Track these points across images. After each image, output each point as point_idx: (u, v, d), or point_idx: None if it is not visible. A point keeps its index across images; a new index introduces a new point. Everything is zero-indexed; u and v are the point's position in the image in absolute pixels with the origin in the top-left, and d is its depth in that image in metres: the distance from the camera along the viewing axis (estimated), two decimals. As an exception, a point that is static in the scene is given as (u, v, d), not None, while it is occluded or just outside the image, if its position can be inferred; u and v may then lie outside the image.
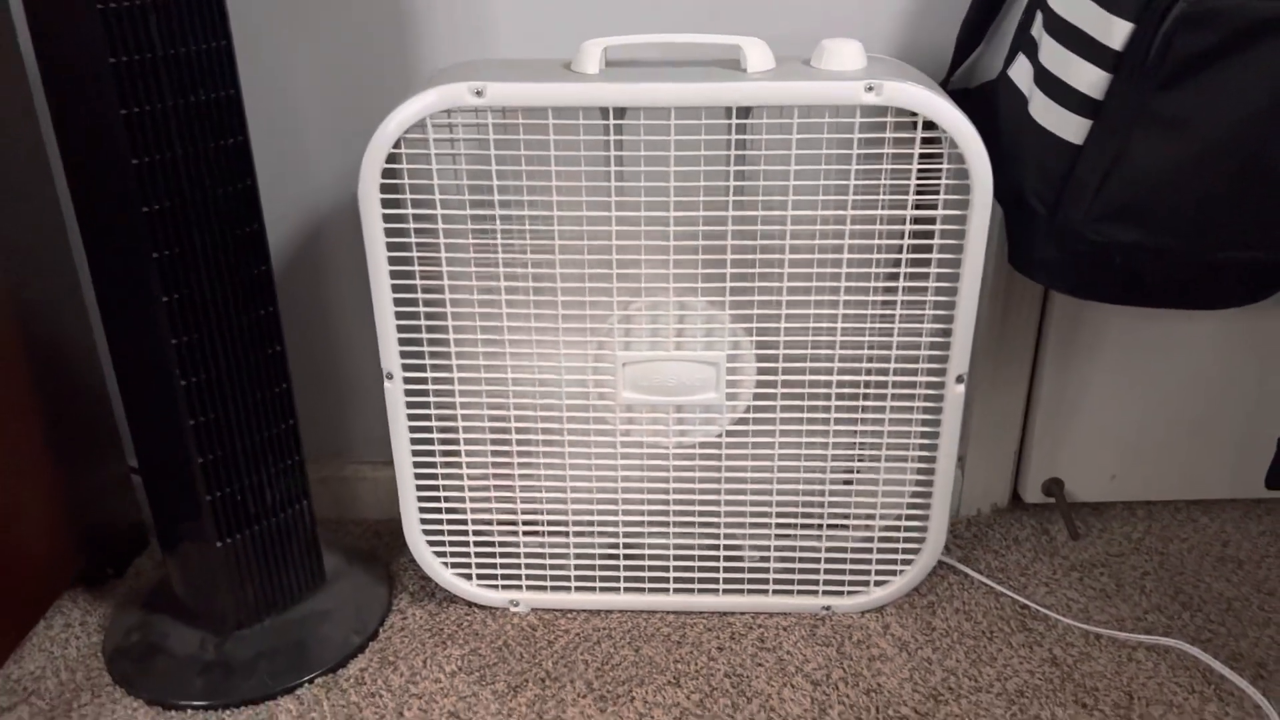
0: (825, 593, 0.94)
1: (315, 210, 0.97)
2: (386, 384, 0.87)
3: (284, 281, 1.00)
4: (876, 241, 0.80)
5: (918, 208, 0.79)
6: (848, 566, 0.93)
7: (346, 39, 0.90)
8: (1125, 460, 1.05)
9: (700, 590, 0.94)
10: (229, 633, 0.91)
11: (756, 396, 0.87)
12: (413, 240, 0.81)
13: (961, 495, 1.08)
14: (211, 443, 0.83)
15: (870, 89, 0.75)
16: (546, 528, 0.93)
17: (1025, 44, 0.82)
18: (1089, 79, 0.73)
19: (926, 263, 0.81)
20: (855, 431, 0.87)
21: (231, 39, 0.75)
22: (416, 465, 0.90)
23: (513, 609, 0.96)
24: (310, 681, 0.88)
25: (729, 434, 0.88)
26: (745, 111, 0.78)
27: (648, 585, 0.94)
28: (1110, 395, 1.01)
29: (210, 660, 0.89)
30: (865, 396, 0.86)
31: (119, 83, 0.70)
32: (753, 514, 0.91)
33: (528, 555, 0.94)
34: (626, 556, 0.94)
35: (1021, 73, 0.81)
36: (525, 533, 0.93)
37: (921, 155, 0.77)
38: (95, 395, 0.97)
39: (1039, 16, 0.79)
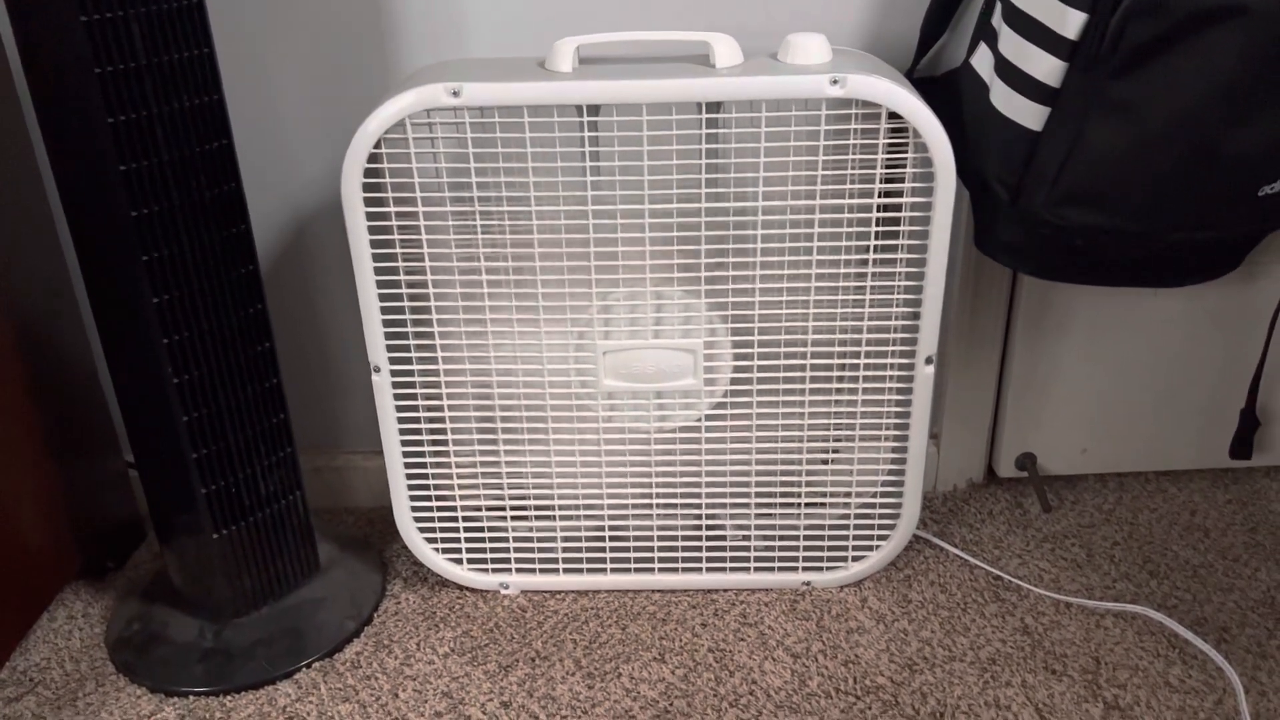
0: (805, 569, 0.97)
1: (301, 208, 1.00)
2: (374, 377, 0.89)
3: (273, 278, 1.03)
4: (845, 230, 0.83)
5: (884, 195, 0.82)
6: (826, 543, 0.96)
7: (327, 39, 0.92)
8: (1096, 434, 1.08)
9: (684, 569, 0.97)
10: (227, 621, 0.94)
11: (734, 381, 0.89)
12: (396, 237, 0.84)
13: (938, 471, 1.11)
14: (205, 438, 0.85)
15: (835, 82, 0.77)
16: (534, 512, 0.96)
17: (986, 33, 0.84)
18: (1046, 68, 0.75)
19: (894, 248, 0.83)
20: (830, 413, 0.90)
21: (214, 46, 0.77)
22: (406, 454, 0.93)
23: (503, 591, 0.99)
24: (307, 666, 0.91)
25: (708, 417, 0.91)
26: (715, 106, 0.80)
27: (633, 565, 0.97)
28: (1080, 371, 1.04)
29: (210, 647, 0.92)
30: (838, 379, 0.89)
31: (104, 91, 0.72)
32: (733, 494, 0.94)
33: (516, 539, 0.97)
34: (612, 538, 0.96)
35: (983, 61, 0.84)
36: (513, 517, 0.96)
37: (886, 145, 0.80)
38: (91, 393, 1.00)
39: (999, 7, 0.81)
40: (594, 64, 0.81)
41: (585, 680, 0.88)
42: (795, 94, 0.77)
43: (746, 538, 0.96)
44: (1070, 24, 0.73)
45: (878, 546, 0.96)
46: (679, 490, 0.94)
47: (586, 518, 0.96)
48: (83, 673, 0.92)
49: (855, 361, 0.88)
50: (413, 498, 0.95)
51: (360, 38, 0.92)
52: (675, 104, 0.78)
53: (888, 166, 0.81)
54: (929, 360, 0.87)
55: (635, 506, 0.95)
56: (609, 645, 0.92)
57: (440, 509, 0.96)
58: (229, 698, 0.89)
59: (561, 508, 0.96)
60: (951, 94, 0.88)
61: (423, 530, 0.97)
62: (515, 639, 0.93)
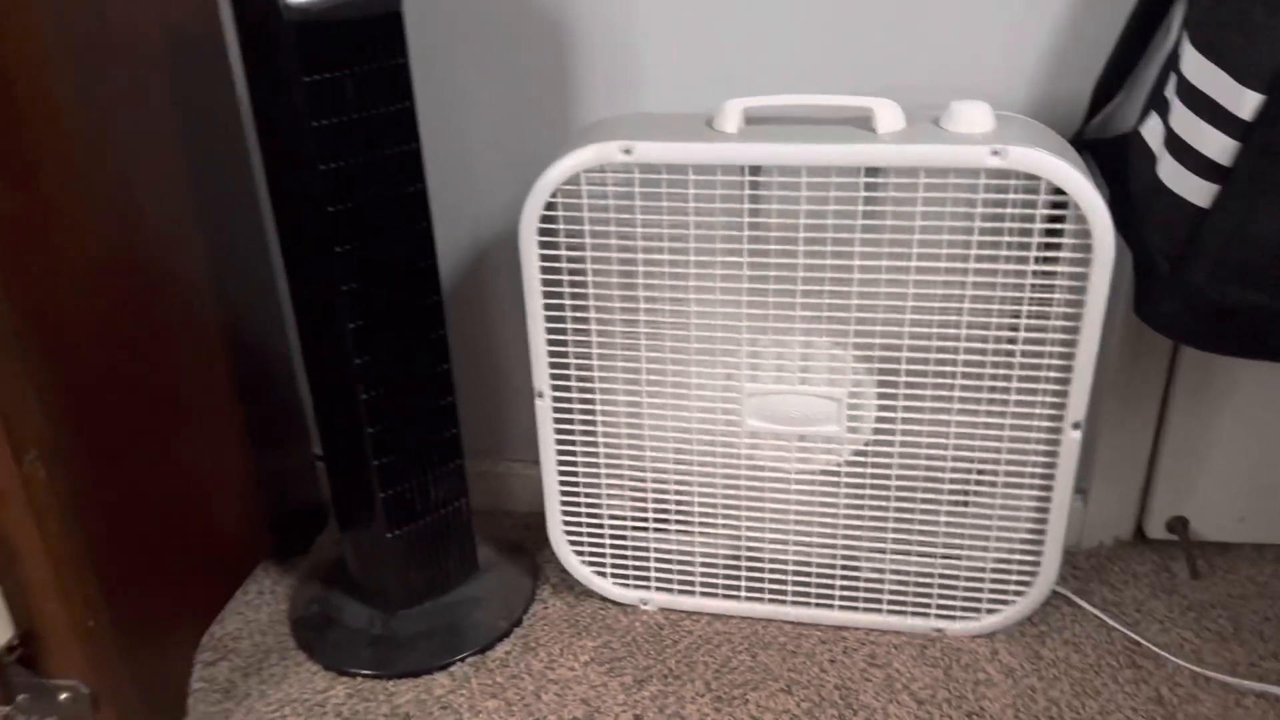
0: (938, 615, 0.99)
1: (481, 238, 1.08)
2: (537, 401, 0.96)
3: (454, 298, 1.11)
4: (998, 294, 0.84)
5: (1039, 263, 0.83)
6: (961, 591, 0.97)
7: (514, 86, 0.99)
8: (1256, 502, 1.05)
9: (817, 604, 1.01)
10: (394, 612, 1.03)
11: (876, 431, 0.92)
12: (565, 277, 0.90)
13: (1083, 527, 1.10)
14: (387, 447, 0.94)
15: (995, 153, 0.79)
16: (676, 535, 1.01)
17: (1158, 104, 0.83)
18: (1217, 146, 0.75)
19: (1047, 314, 0.84)
20: (972, 466, 0.92)
21: (414, 101, 0.85)
22: (561, 473, 1.00)
23: (643, 607, 1.05)
24: (462, 660, 1.00)
25: (849, 462, 0.94)
26: (874, 169, 0.83)
27: (767, 595, 1.01)
28: (1241, 437, 1.02)
29: (377, 635, 1.02)
30: (983, 437, 0.90)
31: (318, 142, 0.81)
32: (870, 536, 0.97)
33: (658, 559, 1.02)
34: (748, 566, 1.01)
35: (1153, 132, 0.83)
36: (656, 538, 1.02)
37: (1045, 216, 0.81)
38: (288, 393, 1.11)
39: (1173, 79, 0.81)
40: (759, 124, 0.85)
41: (714, 703, 0.93)
42: (954, 163, 0.79)
43: (881, 579, 0.99)
44: (1246, 105, 0.73)
45: (1013, 600, 0.97)
46: (816, 527, 0.97)
47: (724, 545, 1.00)
48: (268, 645, 1.03)
49: (1001, 421, 0.89)
50: (565, 513, 1.02)
51: (545, 89, 0.99)
52: (835, 168, 0.82)
53: (1045, 235, 0.82)
54: (1076, 425, 0.87)
55: (772, 540, 0.99)
56: (739, 671, 0.97)
57: (589, 525, 1.02)
58: (391, 682, 0.98)
59: (701, 533, 1.00)
60: (1120, 159, 0.88)
61: (572, 543, 1.04)
62: (651, 654, 0.99)
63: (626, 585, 1.05)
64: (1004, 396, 0.88)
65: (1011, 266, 0.83)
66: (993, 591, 0.97)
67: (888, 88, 0.92)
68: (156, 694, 0.92)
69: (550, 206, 0.87)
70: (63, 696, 0.84)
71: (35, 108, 0.74)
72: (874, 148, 0.80)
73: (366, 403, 0.92)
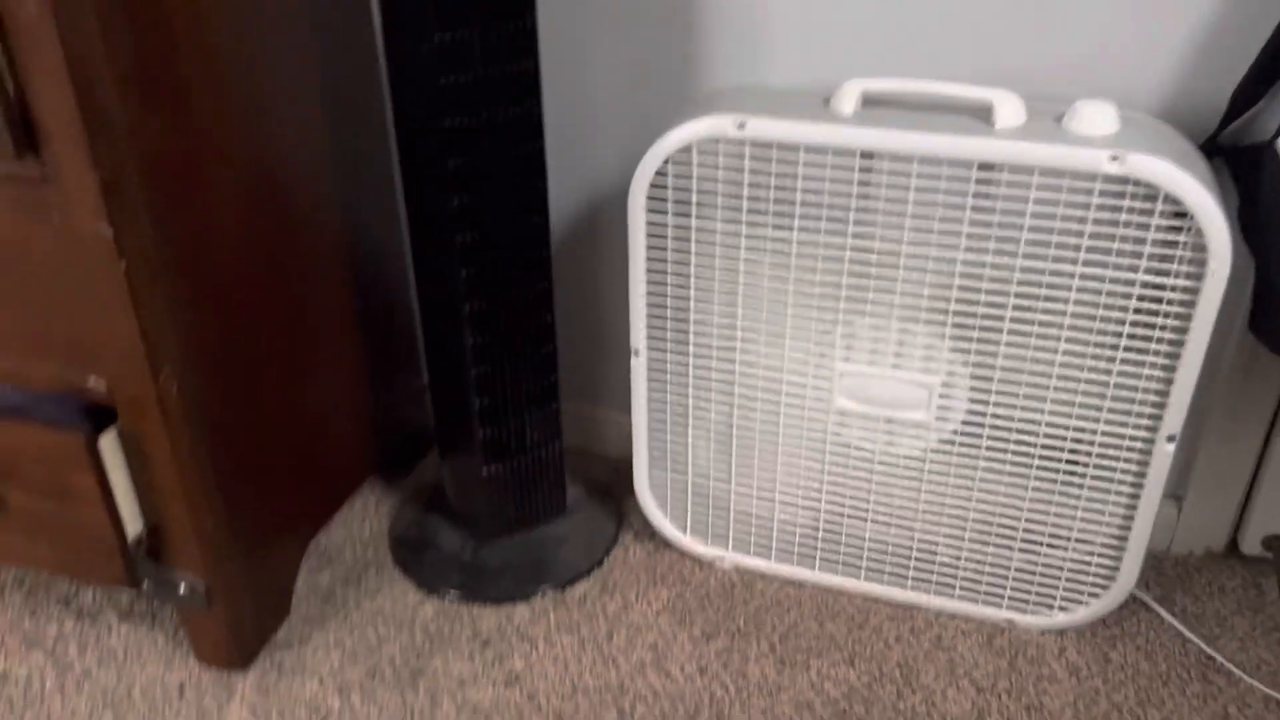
0: (1009, 606, 1.00)
1: (595, 193, 1.10)
2: (633, 359, 0.99)
3: (563, 248, 1.15)
4: (1103, 299, 0.83)
5: (1149, 273, 0.81)
6: (1035, 585, 0.98)
7: (638, 46, 1.01)
8: (1362, 530, 1.01)
9: (889, 580, 1.02)
10: (485, 541, 1.09)
11: (965, 422, 0.92)
12: (669, 243, 0.92)
13: (1175, 533, 1.08)
14: (488, 389, 0.99)
15: (1114, 159, 0.77)
16: (757, 498, 1.04)
17: (1299, 117, 0.80)
18: (1354, 170, 0.72)
19: (1151, 325, 0.83)
20: (1060, 469, 0.91)
21: (539, 62, 0.87)
22: (651, 429, 1.03)
23: (718, 564, 1.08)
24: (542, 594, 1.05)
25: (935, 449, 0.95)
26: (988, 164, 0.82)
27: (841, 566, 1.04)
28: (1354, 464, 0.98)
29: (467, 561, 1.08)
30: (1073, 440, 0.90)
31: (444, 97, 0.85)
32: (949, 519, 0.98)
33: (737, 519, 1.06)
34: (825, 536, 1.03)
35: (1289, 146, 0.80)
36: (737, 499, 1.05)
37: (1160, 226, 0.79)
38: (403, 320, 1.17)
39: (1316, 94, 0.77)
40: (876, 108, 0.85)
41: (776, 664, 0.97)
42: (1070, 166, 0.78)
43: (957, 563, 1.00)
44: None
45: (1088, 600, 0.97)
46: (896, 507, 0.99)
47: (804, 513, 1.03)
48: (368, 559, 1.11)
49: (1093, 425, 0.88)
50: (653, 462, 1.06)
51: (669, 50, 1.00)
52: (947, 159, 0.81)
53: (1158, 245, 0.80)
54: (1170, 439, 0.86)
55: (851, 513, 1.01)
56: (804, 637, 1.00)
57: (674, 480, 1.06)
58: (476, 607, 1.04)
59: (781, 499, 1.03)
60: (1253, 168, 0.85)
61: (656, 496, 1.07)
62: (721, 611, 1.03)
63: (705, 541, 1.08)
64: (1099, 402, 0.87)
65: (1121, 274, 0.81)
66: (1068, 588, 0.97)
67: (1014, 76, 0.91)
68: (264, 594, 1.01)
69: (661, 174, 0.89)
70: (181, 588, 0.92)
71: (192, 43, 0.80)
72: (988, 143, 0.79)
73: (473, 346, 0.96)
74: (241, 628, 0.97)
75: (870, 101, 0.86)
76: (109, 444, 0.86)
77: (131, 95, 0.74)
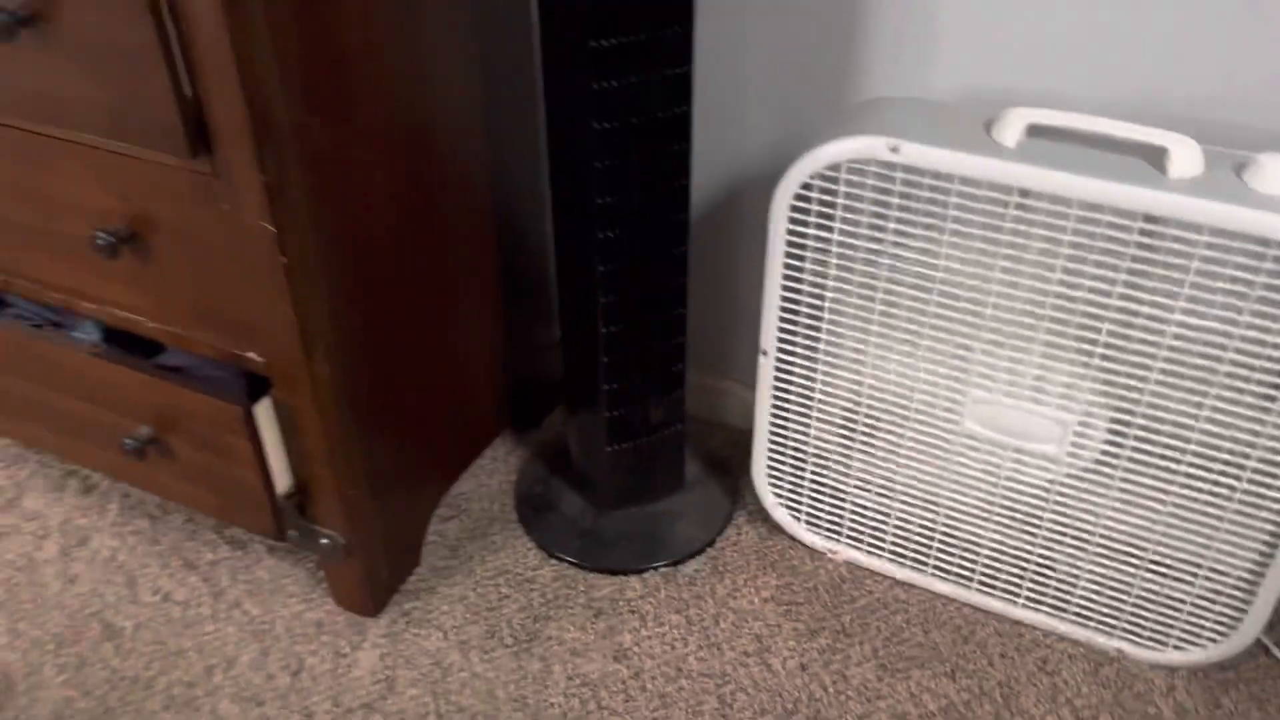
0: (1122, 635, 0.99)
1: (739, 179, 1.09)
2: (760, 358, 1.00)
3: (702, 227, 1.14)
4: (1261, 363, 0.79)
5: (1318, 342, 0.77)
6: (1154, 617, 0.96)
7: (797, 38, 0.98)
8: None
9: (1000, 594, 1.02)
10: (605, 511, 1.13)
11: (1098, 462, 0.90)
12: (807, 254, 0.91)
13: (1310, 575, 1.04)
14: (618, 374, 1.02)
15: (1294, 226, 0.72)
16: (874, 494, 1.04)
17: None
18: None
19: (1313, 393, 0.79)
20: (1198, 500, 0.89)
21: (693, 65, 0.86)
22: (772, 425, 1.04)
23: (830, 556, 1.10)
24: (655, 569, 1.09)
25: (1063, 482, 0.93)
26: (1154, 216, 0.78)
27: (953, 574, 1.04)
28: None
29: (587, 528, 1.13)
30: (1212, 491, 0.87)
31: (597, 102, 0.84)
32: (1072, 540, 0.96)
33: (852, 513, 1.06)
34: (940, 542, 1.03)
35: None
36: (854, 495, 1.05)
37: (1337, 296, 0.74)
38: (539, 270, 1.18)
39: None
40: (1039, 140, 0.81)
41: (878, 670, 0.99)
42: (1243, 229, 0.73)
43: (1073, 585, 0.99)
44: None
45: (1206, 643, 0.95)
46: (1016, 521, 0.98)
47: (921, 515, 1.03)
48: (493, 513, 1.16)
49: (1238, 473, 0.85)
50: (770, 458, 1.07)
51: (830, 45, 0.96)
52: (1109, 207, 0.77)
53: (1333, 313, 0.75)
54: (1317, 506, 0.82)
55: (969, 523, 1.00)
56: (908, 644, 1.01)
57: (792, 473, 1.07)
58: (591, 575, 1.09)
59: (900, 500, 1.03)
60: None
61: (773, 487, 1.09)
62: (828, 606, 1.05)
63: (819, 533, 1.10)
64: (1240, 465, 0.84)
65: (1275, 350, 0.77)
66: (1188, 625, 0.95)
67: (1198, 117, 0.85)
68: (397, 545, 1.07)
69: (806, 187, 0.87)
70: (323, 541, 1.00)
71: (358, 52, 0.81)
72: (1157, 195, 0.75)
73: (606, 336, 0.98)
74: (375, 578, 1.04)
75: (1035, 133, 0.82)
76: (263, 412, 0.92)
77: (297, 102, 0.77)
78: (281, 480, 0.96)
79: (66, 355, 0.97)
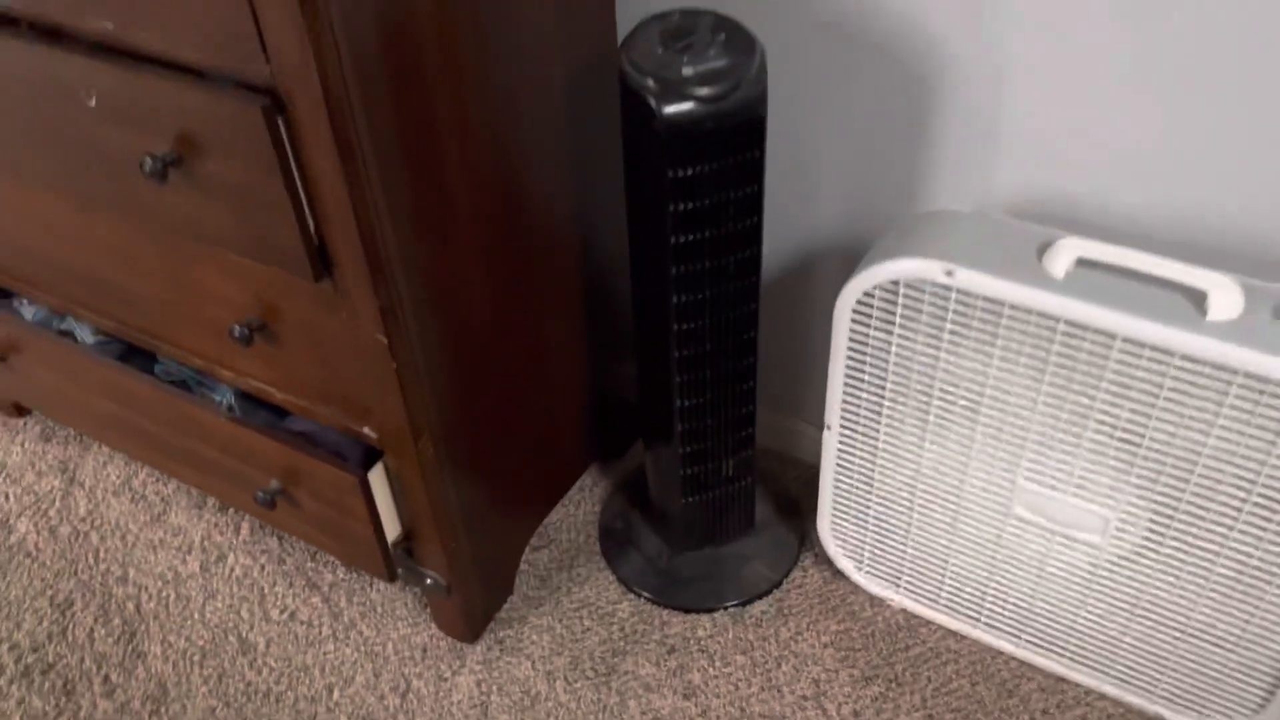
0: (1161, 699, 1.05)
1: (812, 241, 1.16)
2: (825, 432, 1.08)
3: (776, 284, 1.21)
4: (1293, 487, 0.84)
5: (1347, 476, 0.81)
6: (1193, 685, 1.02)
7: (866, 129, 1.03)
8: None
9: (1047, 651, 1.10)
10: (679, 552, 1.23)
11: (1136, 553, 0.96)
12: (869, 349, 0.98)
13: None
14: (691, 439, 1.11)
15: (1324, 378, 0.76)
16: (929, 551, 1.11)
17: None
18: None
19: (1341, 519, 0.83)
20: (1237, 582, 0.94)
21: (763, 183, 0.92)
22: (836, 490, 1.12)
23: (889, 603, 1.19)
24: (725, 609, 1.19)
25: (1106, 564, 0.99)
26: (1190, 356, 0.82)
27: (1003, 629, 1.12)
28: None
29: (663, 568, 1.23)
30: (1252, 577, 0.92)
31: (674, 221, 0.92)
32: (1118, 603, 1.02)
33: (911, 567, 1.14)
34: (993, 597, 1.10)
35: None
36: (912, 554, 1.13)
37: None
38: (619, 304, 1.27)
39: None
40: (1088, 271, 0.86)
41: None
42: (1271, 376, 0.78)
43: (1118, 645, 1.05)
44: None
45: (1243, 714, 1.01)
46: (1065, 585, 1.04)
47: (975, 570, 1.10)
48: (579, 544, 1.28)
49: (1266, 586, 0.90)
50: (834, 514, 1.15)
51: (896, 138, 1.02)
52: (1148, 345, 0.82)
53: (1362, 452, 0.80)
54: (1344, 616, 0.87)
55: (1019, 584, 1.07)
56: (955, 695, 1.10)
57: (854, 526, 1.15)
58: (665, 612, 1.20)
59: (955, 564, 1.10)
60: None
61: (837, 539, 1.18)
62: (884, 653, 1.14)
63: (878, 581, 1.18)
64: (1270, 577, 0.89)
65: (1315, 472, 0.82)
66: (1226, 695, 1.01)
67: (1249, 240, 0.88)
68: (493, 579, 1.20)
69: (869, 294, 0.94)
70: (428, 581, 1.12)
71: (462, 183, 0.90)
72: (1193, 338, 0.80)
73: (680, 409, 1.07)
74: (472, 610, 1.17)
75: (1084, 263, 0.87)
76: (377, 478, 1.04)
77: (407, 235, 0.87)
78: (391, 531, 1.09)
79: (207, 415, 1.11)
